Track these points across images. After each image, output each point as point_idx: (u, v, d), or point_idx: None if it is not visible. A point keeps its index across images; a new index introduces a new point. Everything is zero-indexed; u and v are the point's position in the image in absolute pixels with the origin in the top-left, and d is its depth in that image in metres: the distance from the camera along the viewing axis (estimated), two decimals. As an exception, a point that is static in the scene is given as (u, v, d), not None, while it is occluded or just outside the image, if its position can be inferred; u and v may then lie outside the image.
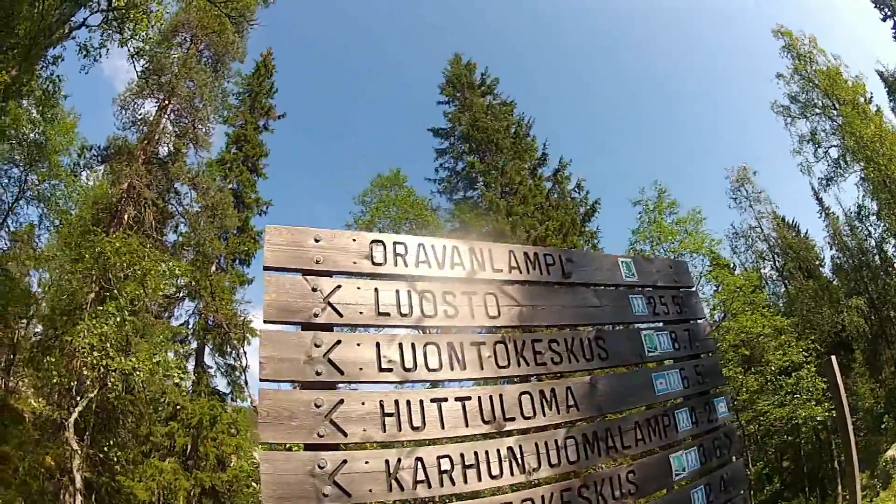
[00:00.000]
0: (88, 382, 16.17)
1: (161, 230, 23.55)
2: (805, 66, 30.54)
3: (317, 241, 3.02)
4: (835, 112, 29.55)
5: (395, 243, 3.25)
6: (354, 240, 3.14)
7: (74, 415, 16.60)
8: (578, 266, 3.97)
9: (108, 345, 15.51)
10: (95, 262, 17.24)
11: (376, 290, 3.05)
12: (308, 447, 2.63)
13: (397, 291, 3.10)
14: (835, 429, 25.79)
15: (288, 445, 2.81)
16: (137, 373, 15.65)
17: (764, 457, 33.87)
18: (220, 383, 25.51)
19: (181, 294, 23.87)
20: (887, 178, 26.40)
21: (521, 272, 3.64)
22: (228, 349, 24.72)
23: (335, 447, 2.67)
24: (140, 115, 23.81)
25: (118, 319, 16.06)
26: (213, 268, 24.56)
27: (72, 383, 17.57)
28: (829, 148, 30.87)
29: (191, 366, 24.02)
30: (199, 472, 20.82)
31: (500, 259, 3.60)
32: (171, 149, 24.13)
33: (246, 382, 24.71)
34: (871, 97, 30.21)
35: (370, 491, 2.65)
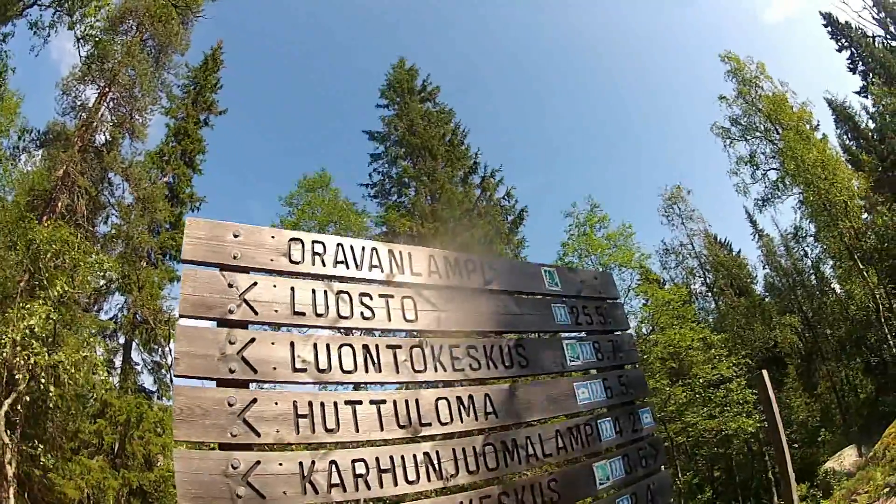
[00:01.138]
0: (18, 375, 15.67)
1: (93, 221, 22.84)
2: (750, 90, 31.11)
3: (236, 236, 2.95)
4: (776, 136, 30.16)
5: (313, 242, 3.21)
6: (273, 237, 3.09)
7: (5, 407, 16.08)
8: (500, 273, 3.97)
9: (34, 340, 15.09)
10: (27, 250, 16.74)
11: (292, 288, 3.00)
12: (222, 446, 2.57)
13: (313, 291, 3.05)
14: (767, 440, 26.36)
15: (210, 444, 2.72)
16: (64, 367, 15.25)
17: (694, 467, 34.46)
18: (147, 381, 25.00)
19: (111, 287, 23.33)
20: (827, 201, 27.01)
21: (440, 277, 3.62)
22: (155, 346, 24.17)
23: (248, 447, 2.61)
24: (80, 101, 23.22)
25: (47, 311, 15.63)
26: (143, 262, 23.97)
27: (2, 373, 17.06)
28: (768, 171, 31.60)
29: (118, 361, 23.55)
30: (127, 472, 20.28)
31: (420, 263, 3.57)
32: (108, 137, 23.54)
33: (172, 380, 24.16)
34: (818, 124, 31.00)
35: (284, 493, 2.60)
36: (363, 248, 3.37)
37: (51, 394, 15.67)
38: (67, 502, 18.92)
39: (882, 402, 26.38)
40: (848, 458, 21.45)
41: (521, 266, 4.48)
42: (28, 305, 15.66)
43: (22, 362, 15.01)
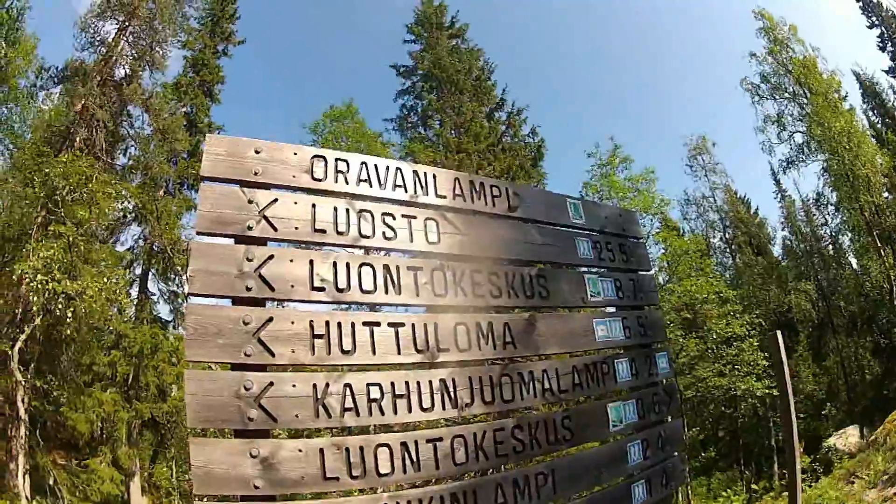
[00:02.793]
0: (34, 309, 15.78)
1: (111, 153, 23.03)
2: (781, 50, 30.48)
3: (257, 152, 2.87)
4: (805, 100, 29.60)
5: (336, 159, 3.11)
6: (296, 153, 2.99)
7: (18, 344, 16.25)
8: (525, 201, 3.86)
9: (56, 268, 15.17)
10: (43, 184, 16.75)
11: (314, 205, 2.92)
12: (235, 367, 2.52)
13: (335, 209, 2.97)
14: (773, 406, 26.41)
15: (222, 365, 2.68)
16: (86, 295, 15.34)
17: (700, 423, 34.65)
18: (163, 310, 25.31)
19: (128, 218, 23.49)
20: (851, 172, 26.60)
21: (465, 200, 3.53)
22: (172, 275, 24.27)
23: (262, 368, 2.56)
24: (99, 36, 23.22)
25: (65, 243, 15.71)
26: (161, 192, 24.04)
27: (16, 311, 17.19)
28: (794, 133, 31.11)
29: (134, 292, 23.65)
30: (139, 403, 20.52)
31: (445, 185, 3.48)
32: (128, 71, 23.59)
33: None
34: (846, 95, 30.42)
35: (297, 416, 2.56)
36: (387, 168, 3.27)
37: (69, 322, 15.77)
38: (79, 437, 19.23)
39: (887, 387, 26.38)
40: (851, 437, 21.36)
41: (546, 195, 4.33)
42: (50, 231, 15.75)
43: (39, 297, 15.07)
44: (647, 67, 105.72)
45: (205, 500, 2.31)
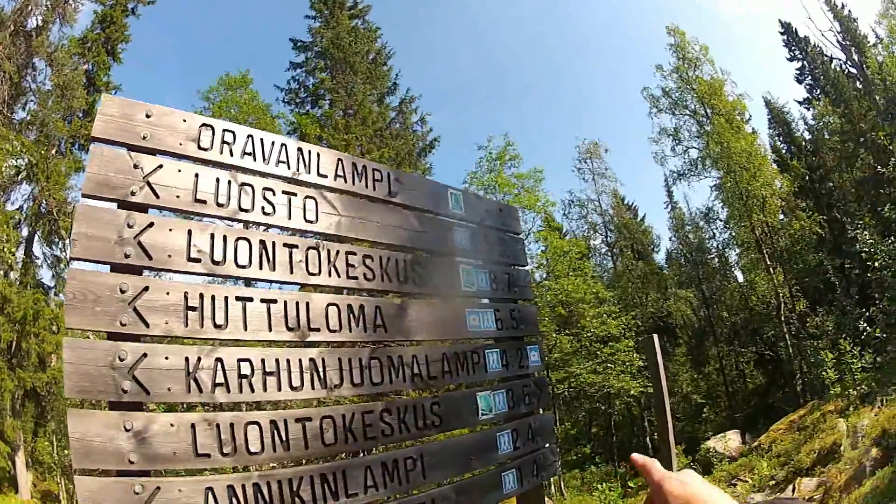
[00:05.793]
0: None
1: (12, 107, 22.06)
2: (688, 68, 31.51)
3: (147, 116, 2.82)
4: (705, 119, 30.78)
5: (224, 130, 3.10)
6: (185, 120, 2.96)
7: None
8: (406, 187, 3.93)
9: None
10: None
11: (196, 175, 2.90)
12: (111, 336, 2.49)
13: (217, 180, 2.96)
14: (649, 406, 27.45)
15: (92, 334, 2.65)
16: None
17: (573, 419, 35.60)
18: (46, 276, 24.18)
19: (20, 177, 22.39)
20: (746, 191, 27.73)
21: (346, 181, 3.57)
22: (56, 239, 23.25)
23: (136, 338, 2.54)
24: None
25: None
26: (54, 151, 23.09)
27: None
28: (690, 148, 32.30)
29: (20, 255, 22.44)
30: (22, 372, 19.67)
31: (327, 165, 3.51)
32: (39, 22, 22.78)
33: (71, 274, 23.24)
34: (750, 118, 31.82)
35: (169, 390, 2.55)
36: (273, 143, 3.28)
37: None
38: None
39: (771, 396, 27.77)
40: (732, 441, 22.36)
41: (428, 184, 4.41)
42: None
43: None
44: (552, 71, 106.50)
45: (84, 473, 2.27)
